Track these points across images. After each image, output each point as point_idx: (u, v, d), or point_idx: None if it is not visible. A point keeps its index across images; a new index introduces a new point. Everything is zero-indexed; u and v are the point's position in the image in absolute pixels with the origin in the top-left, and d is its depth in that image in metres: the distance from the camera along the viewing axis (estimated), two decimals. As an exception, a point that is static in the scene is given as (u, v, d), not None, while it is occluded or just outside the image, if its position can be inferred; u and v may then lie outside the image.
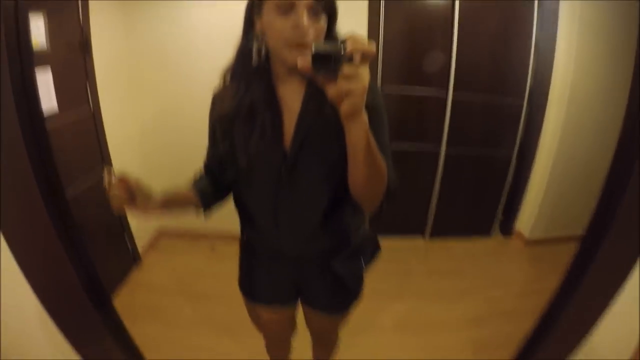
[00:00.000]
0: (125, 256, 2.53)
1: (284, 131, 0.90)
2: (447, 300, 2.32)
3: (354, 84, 0.65)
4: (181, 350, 1.95)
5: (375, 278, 2.37)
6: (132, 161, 2.63)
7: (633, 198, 0.74)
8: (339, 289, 1.12)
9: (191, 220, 2.75)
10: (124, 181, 0.82)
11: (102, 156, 2.25)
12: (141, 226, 2.67)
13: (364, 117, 0.70)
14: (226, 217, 2.78)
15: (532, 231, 2.89)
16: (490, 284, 2.47)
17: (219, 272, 2.54)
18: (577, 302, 0.94)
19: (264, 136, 0.88)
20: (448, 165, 2.78)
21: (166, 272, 2.60)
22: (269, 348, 1.52)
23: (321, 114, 0.83)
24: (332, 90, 0.65)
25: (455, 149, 2.74)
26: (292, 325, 1.36)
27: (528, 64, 2.60)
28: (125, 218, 2.46)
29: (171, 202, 0.94)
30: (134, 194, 0.83)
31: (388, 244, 2.80)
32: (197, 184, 1.04)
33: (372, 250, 1.15)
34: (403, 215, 2.91)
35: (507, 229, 3.05)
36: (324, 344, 1.49)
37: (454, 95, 2.59)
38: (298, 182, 0.92)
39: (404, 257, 2.77)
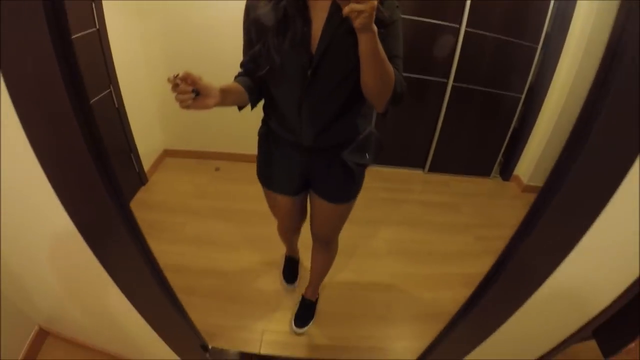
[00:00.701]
0: (132, 176, 2.57)
1: (312, 39, 1.03)
2: (441, 232, 2.41)
3: (364, 4, 0.80)
4: (184, 262, 2.06)
5: (373, 205, 2.51)
6: (139, 82, 2.57)
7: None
8: (344, 179, 1.27)
9: (196, 140, 2.85)
10: (189, 79, 0.92)
11: (109, 77, 2.20)
12: (148, 146, 2.70)
13: (374, 30, 0.87)
14: (230, 138, 2.85)
15: (531, 178, 2.92)
16: (484, 223, 2.54)
17: (223, 191, 2.65)
18: (527, 249, 1.00)
19: (294, 41, 1.02)
20: (454, 99, 2.76)
21: (170, 191, 2.66)
22: (281, 231, 1.75)
23: (341, 27, 0.99)
24: (347, 9, 0.80)
25: (463, 83, 2.72)
26: (302, 212, 1.54)
27: (548, 9, 2.52)
28: (132, 138, 2.46)
29: (227, 95, 1.05)
30: (200, 90, 0.96)
31: (389, 174, 2.91)
32: (242, 80, 1.15)
33: (376, 149, 1.27)
34: (406, 148, 2.95)
35: (506, 172, 3.10)
36: (325, 250, 1.64)
37: (466, 30, 2.53)
38: (320, 81, 1.07)
39: (403, 187, 2.85)
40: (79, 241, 1.01)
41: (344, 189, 1.32)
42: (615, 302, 1.26)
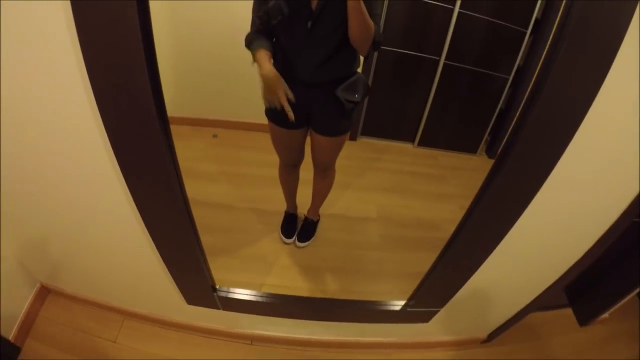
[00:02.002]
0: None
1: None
2: (428, 200, 2.54)
3: None
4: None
5: (366, 174, 2.63)
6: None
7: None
8: (337, 114, 1.57)
9: (193, 107, 2.90)
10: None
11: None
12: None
13: None
14: (227, 106, 2.91)
15: (515, 156, 3.00)
16: (468, 194, 2.55)
17: (221, 156, 2.72)
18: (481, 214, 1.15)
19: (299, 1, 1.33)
20: (445, 76, 2.84)
21: None
22: (282, 171, 1.97)
23: None
24: None
25: (454, 62, 2.80)
26: (301, 148, 1.82)
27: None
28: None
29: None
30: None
31: (381, 146, 3.02)
32: (263, 41, 1.43)
33: (363, 90, 1.56)
34: (397, 122, 3.06)
35: (492, 150, 3.21)
36: (324, 175, 1.94)
37: (459, 11, 2.60)
38: (318, 29, 1.37)
39: (394, 159, 2.96)
40: (110, 164, 1.09)
41: (337, 123, 1.64)
42: (585, 256, 1.39)
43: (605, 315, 2.19)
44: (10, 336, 1.78)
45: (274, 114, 1.60)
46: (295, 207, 2.18)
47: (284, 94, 1.44)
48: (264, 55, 1.41)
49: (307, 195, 2.08)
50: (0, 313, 1.68)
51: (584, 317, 1.83)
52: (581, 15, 0.73)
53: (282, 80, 1.43)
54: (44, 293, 2.00)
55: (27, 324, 1.88)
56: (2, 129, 1.09)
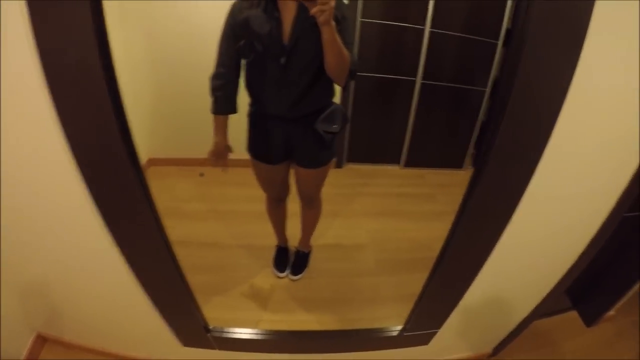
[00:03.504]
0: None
1: (284, 32, 1.36)
2: (418, 220, 2.54)
3: (326, 5, 1.17)
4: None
5: (354, 200, 2.63)
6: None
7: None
8: (318, 146, 1.59)
9: (179, 148, 2.91)
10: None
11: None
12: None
13: (332, 24, 1.24)
14: (212, 143, 2.90)
15: (502, 167, 3.02)
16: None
17: (209, 195, 2.72)
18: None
19: (271, 35, 1.35)
20: (424, 96, 2.89)
21: (157, 198, 2.65)
22: (269, 206, 1.97)
23: (306, 22, 1.30)
24: (315, 9, 1.19)
25: (431, 80, 2.85)
26: (285, 182, 1.83)
27: (505, 6, 2.67)
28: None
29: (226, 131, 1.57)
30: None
31: (367, 171, 3.03)
32: (223, 104, 1.52)
33: (342, 120, 1.57)
34: (381, 145, 3.09)
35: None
36: (310, 206, 1.95)
37: (430, 30, 2.67)
38: (292, 65, 1.39)
39: (381, 182, 2.97)
40: (91, 214, 1.09)
41: (318, 155, 1.65)
42: (581, 257, 1.38)
43: (611, 312, 2.17)
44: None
45: (256, 151, 1.64)
46: (286, 240, 2.17)
47: (214, 160, 1.64)
48: (219, 125, 1.56)
49: (296, 227, 2.08)
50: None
51: (590, 317, 1.82)
52: (541, 15, 0.75)
53: (226, 155, 1.63)
54: (41, 342, 1.96)
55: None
56: None
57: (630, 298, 1.92)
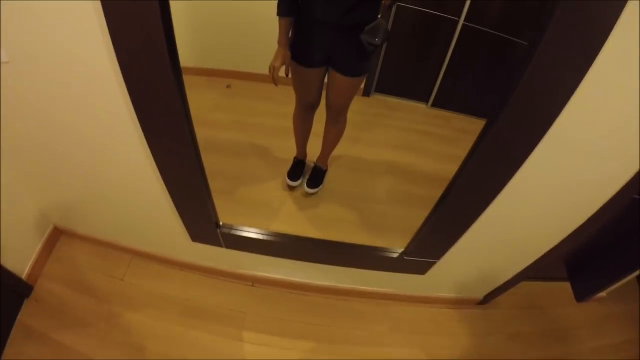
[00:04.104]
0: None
1: None
2: (438, 160, 2.53)
3: None
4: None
5: (377, 129, 2.63)
6: None
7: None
8: (358, 55, 1.62)
9: (207, 58, 2.91)
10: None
11: None
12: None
13: None
14: (242, 56, 2.92)
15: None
16: None
17: (234, 106, 2.74)
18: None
19: None
20: (463, 38, 2.79)
21: None
22: (297, 112, 1.98)
23: None
24: None
25: (474, 23, 2.74)
26: (319, 89, 1.84)
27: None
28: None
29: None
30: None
31: (394, 104, 3.01)
32: (285, 9, 1.55)
33: (383, 34, 1.54)
34: (412, 81, 3.04)
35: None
36: (336, 121, 1.97)
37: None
38: None
39: (406, 117, 2.96)
40: (125, 107, 1.13)
41: (356, 64, 1.68)
42: (583, 226, 1.39)
43: (603, 294, 2.21)
44: (23, 275, 1.86)
45: (298, 53, 1.67)
46: (305, 154, 2.21)
47: (278, 68, 1.63)
48: (283, 28, 1.59)
49: (317, 146, 2.11)
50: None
51: (582, 293, 1.84)
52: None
53: (287, 59, 1.64)
54: (56, 234, 2.08)
55: (40, 264, 1.96)
56: (20, 70, 1.13)
57: (624, 285, 1.95)
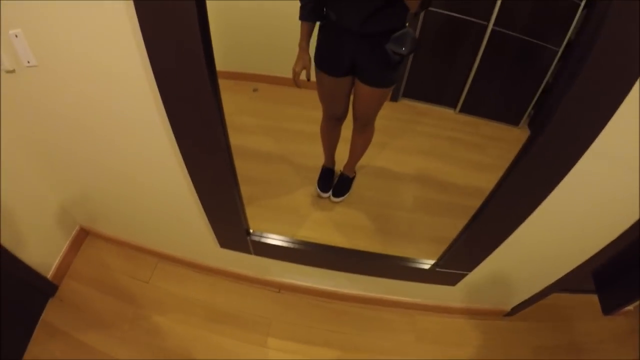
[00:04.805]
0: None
1: None
2: (465, 168, 2.50)
3: None
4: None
5: (405, 135, 2.61)
6: None
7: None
8: (384, 65, 1.58)
9: (234, 62, 2.91)
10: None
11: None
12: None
13: None
14: (269, 60, 2.91)
15: (559, 133, 2.91)
16: (506, 166, 2.58)
17: (261, 110, 2.74)
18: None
19: None
20: (492, 43, 2.74)
21: None
22: (325, 123, 1.96)
23: None
24: None
25: (503, 28, 2.70)
26: (346, 99, 1.81)
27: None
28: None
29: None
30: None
31: (422, 109, 2.99)
32: (307, 14, 1.55)
33: (411, 44, 1.51)
34: (440, 86, 3.00)
35: (535, 124, 3.10)
36: (363, 131, 1.94)
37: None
38: None
39: (434, 123, 2.91)
40: (158, 113, 1.13)
41: (382, 74, 1.63)
42: (617, 240, 1.35)
43: (630, 307, 2.15)
44: (49, 275, 1.89)
45: (322, 61, 1.65)
46: (334, 163, 2.19)
47: (298, 73, 1.66)
48: (304, 33, 1.59)
49: (345, 152, 2.09)
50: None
51: (609, 306, 1.80)
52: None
53: (308, 67, 1.65)
54: (83, 235, 2.10)
55: (65, 264, 1.99)
56: (48, 74, 1.14)
57: None
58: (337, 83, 1.70)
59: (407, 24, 1.50)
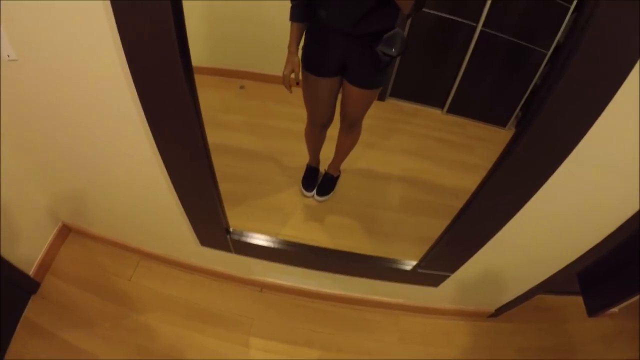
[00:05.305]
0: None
1: None
2: (452, 169, 2.49)
3: None
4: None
5: (392, 135, 2.60)
6: None
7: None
8: (373, 67, 1.55)
9: (221, 58, 2.90)
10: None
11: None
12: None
13: None
14: (257, 57, 2.90)
15: (545, 135, 2.92)
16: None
17: (247, 107, 2.72)
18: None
19: None
20: (481, 44, 2.75)
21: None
22: (309, 126, 1.94)
23: None
24: None
25: (492, 29, 2.70)
26: (332, 102, 1.79)
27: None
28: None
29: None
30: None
31: (409, 109, 2.98)
32: (299, 15, 1.51)
33: (400, 45, 1.50)
34: (428, 86, 3.00)
35: (524, 122, 3.10)
36: (349, 131, 1.92)
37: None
38: None
39: (421, 123, 2.91)
40: (135, 109, 1.10)
41: (371, 76, 1.62)
42: (602, 243, 1.34)
43: (615, 309, 2.17)
44: (31, 272, 1.86)
45: (309, 62, 1.63)
46: (318, 162, 2.18)
47: (287, 76, 1.60)
48: (294, 34, 1.55)
49: (330, 151, 2.07)
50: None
51: (594, 308, 1.81)
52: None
53: (297, 70, 1.60)
54: (65, 232, 2.08)
55: (47, 261, 1.96)
56: (28, 68, 1.12)
57: (637, 301, 1.93)
58: (323, 84, 1.68)
59: (394, 28, 1.49)
